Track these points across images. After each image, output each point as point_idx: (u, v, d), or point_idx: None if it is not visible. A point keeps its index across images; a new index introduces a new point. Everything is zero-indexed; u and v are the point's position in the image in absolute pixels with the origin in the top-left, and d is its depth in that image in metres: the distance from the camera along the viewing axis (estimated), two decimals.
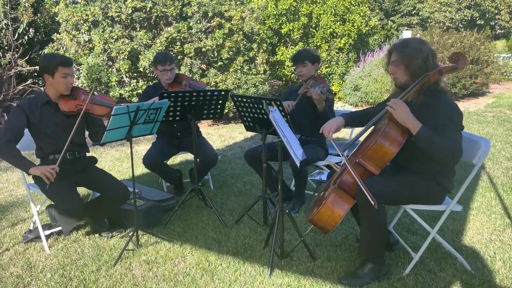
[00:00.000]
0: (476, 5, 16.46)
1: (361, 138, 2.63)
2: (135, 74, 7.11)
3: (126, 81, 7.14)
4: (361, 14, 9.79)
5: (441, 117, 2.23)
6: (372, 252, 2.46)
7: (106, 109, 2.90)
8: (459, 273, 2.53)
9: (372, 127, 2.54)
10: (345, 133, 6.18)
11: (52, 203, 3.02)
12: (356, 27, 9.64)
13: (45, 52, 7.78)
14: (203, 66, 7.29)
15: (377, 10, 16.30)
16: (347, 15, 9.62)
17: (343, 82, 9.64)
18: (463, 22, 16.70)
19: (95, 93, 2.91)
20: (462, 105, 9.06)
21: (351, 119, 2.73)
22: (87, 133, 3.12)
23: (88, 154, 3.15)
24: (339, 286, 2.43)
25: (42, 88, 7.58)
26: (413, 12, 17.28)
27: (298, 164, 2.46)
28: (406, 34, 12.76)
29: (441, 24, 16.42)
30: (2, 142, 2.72)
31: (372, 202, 2.16)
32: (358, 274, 2.46)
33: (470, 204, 3.61)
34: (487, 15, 16.96)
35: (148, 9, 6.89)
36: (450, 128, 2.22)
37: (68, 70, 2.81)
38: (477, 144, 2.45)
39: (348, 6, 9.63)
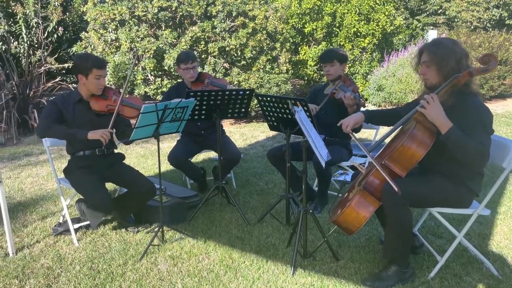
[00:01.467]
0: (505, 4, 16.00)
1: (387, 140, 2.61)
2: (160, 73, 7.22)
3: (151, 80, 7.26)
4: (386, 13, 9.66)
5: (471, 120, 2.20)
6: (396, 254, 2.44)
7: (135, 111, 2.98)
8: (485, 278, 2.49)
9: (399, 128, 2.52)
10: (368, 134, 6.13)
11: (82, 197, 3.11)
12: (380, 26, 9.52)
13: (74, 50, 8.00)
14: (227, 65, 7.34)
15: (402, 9, 16.05)
16: (372, 14, 9.51)
17: (367, 82, 9.55)
18: (491, 22, 16.26)
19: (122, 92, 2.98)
20: (490, 106, 8.79)
21: (371, 116, 2.72)
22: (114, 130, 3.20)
23: (116, 151, 3.23)
24: None
25: (70, 86, 7.79)
26: (439, 11, 16.93)
27: (323, 164, 2.47)
28: (432, 33, 12.52)
29: (469, 23, 16.03)
30: (44, 127, 2.82)
31: (396, 189, 2.16)
32: (382, 276, 2.45)
33: (498, 208, 3.53)
34: None
35: (173, 9, 6.98)
36: (479, 131, 2.19)
37: (102, 72, 2.89)
38: (506, 147, 2.40)
39: (373, 5, 9.52)
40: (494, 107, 8.91)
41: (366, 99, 9.44)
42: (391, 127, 2.48)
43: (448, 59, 2.26)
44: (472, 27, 15.45)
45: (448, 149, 2.21)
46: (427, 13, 16.88)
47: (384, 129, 2.75)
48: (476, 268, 2.59)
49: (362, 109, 3.26)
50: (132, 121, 3.00)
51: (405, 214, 2.33)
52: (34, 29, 8.05)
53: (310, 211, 2.76)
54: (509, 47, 9.72)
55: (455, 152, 2.20)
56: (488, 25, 16.22)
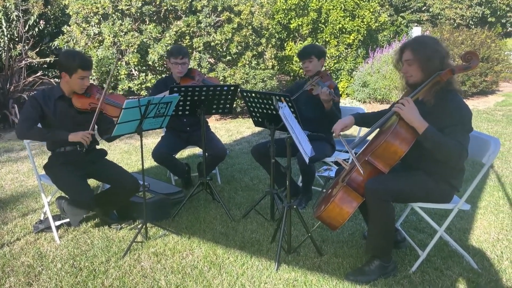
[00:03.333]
0: (487, 2, 16.27)
1: (370, 137, 2.63)
2: (144, 68, 7.14)
3: (135, 74, 7.17)
4: (371, 10, 9.73)
5: (451, 118, 2.23)
6: (379, 249, 2.47)
7: (119, 110, 2.93)
8: (465, 272, 2.53)
9: (381, 125, 2.55)
10: (353, 130, 6.17)
11: (63, 194, 3.07)
12: (365, 23, 9.58)
13: (56, 44, 7.85)
14: (212, 61, 7.30)
15: (387, 6, 16.18)
16: (357, 10, 9.57)
17: (352, 78, 9.61)
18: (474, 19, 16.53)
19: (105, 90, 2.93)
20: (472, 103, 9.00)
21: (361, 119, 2.76)
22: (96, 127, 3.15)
23: (98, 147, 3.19)
24: (345, 282, 2.45)
25: (52, 80, 7.65)
26: (423, 9, 17.13)
27: (307, 160, 2.47)
28: (416, 30, 12.66)
29: (452, 21, 16.26)
30: (24, 129, 2.78)
31: (362, 171, 2.31)
32: (365, 270, 2.47)
33: (478, 203, 3.60)
34: (498, 13, 16.77)
35: (157, 3, 6.90)
36: (459, 130, 2.22)
37: (87, 73, 2.83)
38: (487, 143, 2.44)
39: (358, 2, 9.57)
40: (476, 103, 9.06)
41: (348, 95, 9.50)
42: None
43: (433, 59, 2.29)
44: (455, 24, 15.66)
45: (427, 148, 2.24)
46: (412, 10, 17.06)
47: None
48: (456, 262, 2.64)
49: (343, 103, 3.27)
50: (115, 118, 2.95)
51: (387, 210, 2.35)
52: (14, 22, 7.87)
53: (294, 206, 2.77)
54: (491, 44, 9.89)
55: (433, 151, 2.23)
56: (471, 22, 16.47)
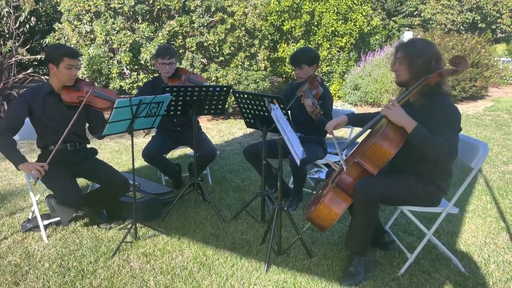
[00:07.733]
0: (478, 8, 16.48)
1: (360, 139, 2.65)
2: (136, 67, 7.11)
3: (127, 73, 7.13)
4: (364, 13, 9.79)
5: (439, 118, 2.26)
6: (358, 247, 2.51)
7: (107, 102, 2.91)
8: (453, 275, 2.56)
9: (370, 127, 2.58)
10: (344, 132, 6.21)
11: (52, 193, 3.03)
12: (358, 26, 9.64)
13: (47, 42, 7.78)
14: (204, 61, 7.29)
15: (379, 10, 16.30)
16: (350, 14, 9.63)
17: (343, 81, 9.66)
18: (464, 25, 16.73)
19: (97, 85, 2.91)
20: (461, 108, 9.10)
21: (355, 119, 2.80)
22: (87, 125, 3.13)
23: (88, 146, 3.16)
24: (335, 285, 2.45)
25: (42, 77, 7.57)
26: (415, 13, 17.29)
27: (298, 162, 2.48)
28: (408, 35, 12.77)
29: (443, 26, 16.44)
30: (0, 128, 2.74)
31: (345, 168, 2.38)
32: (351, 272, 2.48)
33: (466, 206, 3.64)
34: (488, 19, 16.99)
35: (151, 2, 6.88)
36: (447, 129, 2.25)
37: (73, 62, 2.82)
38: (475, 148, 2.47)
39: (351, 5, 9.63)
40: (465, 108, 9.17)
41: (340, 97, 9.55)
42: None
43: (417, 58, 2.33)
44: (446, 30, 15.83)
45: (416, 147, 2.27)
46: (403, 14, 17.21)
47: (358, 128, 2.80)
48: (444, 265, 2.66)
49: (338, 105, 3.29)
50: (106, 116, 2.94)
51: (372, 211, 2.39)
52: (5, 18, 7.78)
53: (285, 208, 2.77)
54: (481, 50, 10.01)
55: (422, 150, 2.26)
56: (461, 28, 16.65)
